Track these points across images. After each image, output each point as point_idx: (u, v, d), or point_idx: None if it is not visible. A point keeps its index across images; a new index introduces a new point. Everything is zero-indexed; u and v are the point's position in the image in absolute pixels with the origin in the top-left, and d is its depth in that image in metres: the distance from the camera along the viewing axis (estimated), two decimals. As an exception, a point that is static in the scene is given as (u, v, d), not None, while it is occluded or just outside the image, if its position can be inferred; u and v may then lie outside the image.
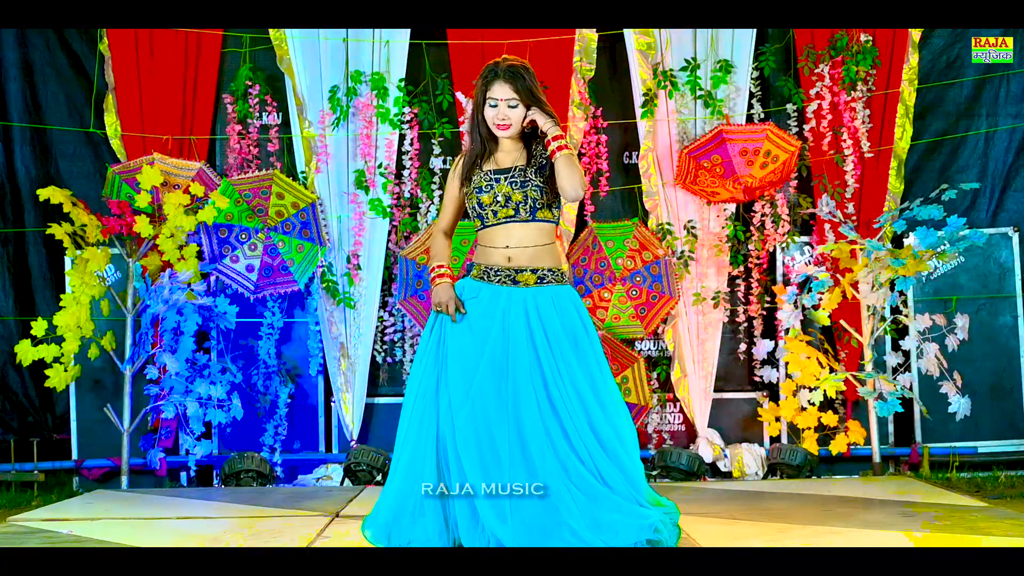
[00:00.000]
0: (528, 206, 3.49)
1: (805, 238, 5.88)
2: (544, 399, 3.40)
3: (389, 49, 5.69)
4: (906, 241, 5.57)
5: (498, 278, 3.50)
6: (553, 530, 3.30)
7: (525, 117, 3.50)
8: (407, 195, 5.80)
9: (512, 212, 3.49)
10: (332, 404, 5.74)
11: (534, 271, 3.50)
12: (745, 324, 5.88)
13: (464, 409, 3.40)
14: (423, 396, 3.49)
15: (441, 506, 3.41)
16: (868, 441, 5.50)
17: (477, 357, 3.43)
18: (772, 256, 5.90)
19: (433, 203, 5.78)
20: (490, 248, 3.53)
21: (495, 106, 3.49)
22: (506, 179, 3.50)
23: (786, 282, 5.76)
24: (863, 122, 5.78)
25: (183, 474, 5.60)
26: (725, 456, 5.68)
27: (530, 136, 3.58)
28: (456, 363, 3.46)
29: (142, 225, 5.23)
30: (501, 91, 3.48)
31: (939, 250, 5.10)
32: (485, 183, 3.51)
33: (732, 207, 5.78)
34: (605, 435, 3.41)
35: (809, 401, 5.38)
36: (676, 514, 3.46)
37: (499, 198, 3.49)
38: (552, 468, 3.33)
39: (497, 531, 3.30)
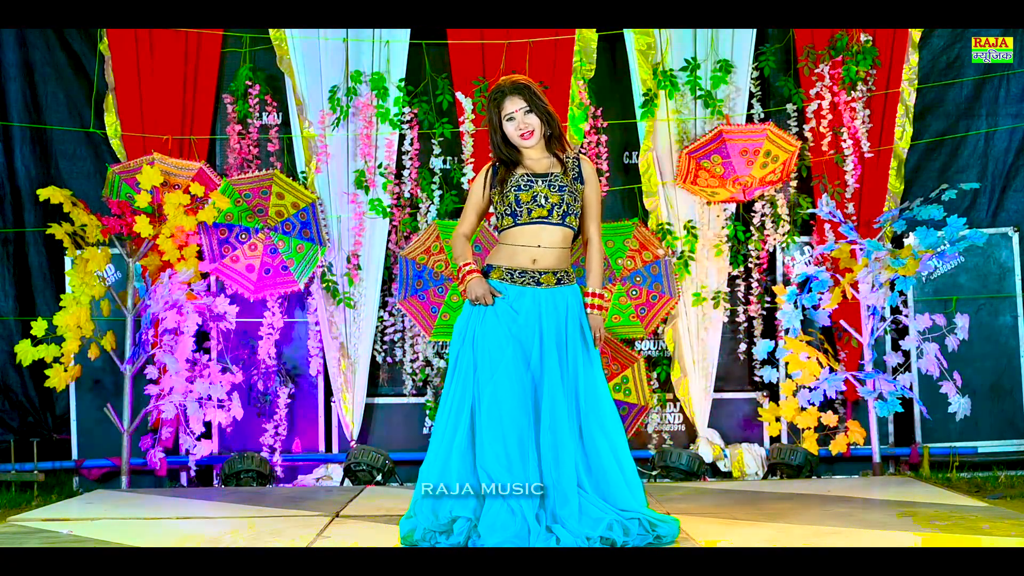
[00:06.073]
0: (561, 210, 3.68)
1: (805, 238, 5.88)
2: (572, 396, 3.60)
3: (389, 49, 5.69)
4: (906, 241, 5.57)
5: (523, 279, 3.67)
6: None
7: (541, 123, 3.68)
8: (407, 195, 5.79)
9: (546, 213, 3.67)
10: (332, 404, 5.74)
11: (554, 273, 3.69)
12: (745, 324, 5.88)
13: (487, 396, 3.53)
14: (464, 397, 3.62)
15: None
16: (868, 441, 5.50)
17: (503, 348, 3.57)
18: (772, 256, 5.90)
19: (433, 203, 5.78)
20: (518, 247, 3.68)
21: (512, 119, 3.68)
22: (544, 181, 3.69)
23: (786, 282, 5.76)
24: (863, 122, 5.78)
25: (183, 474, 5.60)
26: (725, 456, 5.68)
27: (552, 146, 3.76)
28: (485, 354, 3.59)
29: (142, 225, 5.23)
30: (513, 104, 3.68)
31: (938, 250, 5.10)
32: (524, 183, 3.69)
33: (732, 207, 5.78)
34: (615, 434, 3.66)
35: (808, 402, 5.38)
36: (653, 521, 3.55)
37: (538, 197, 3.66)
38: (552, 468, 3.51)
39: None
